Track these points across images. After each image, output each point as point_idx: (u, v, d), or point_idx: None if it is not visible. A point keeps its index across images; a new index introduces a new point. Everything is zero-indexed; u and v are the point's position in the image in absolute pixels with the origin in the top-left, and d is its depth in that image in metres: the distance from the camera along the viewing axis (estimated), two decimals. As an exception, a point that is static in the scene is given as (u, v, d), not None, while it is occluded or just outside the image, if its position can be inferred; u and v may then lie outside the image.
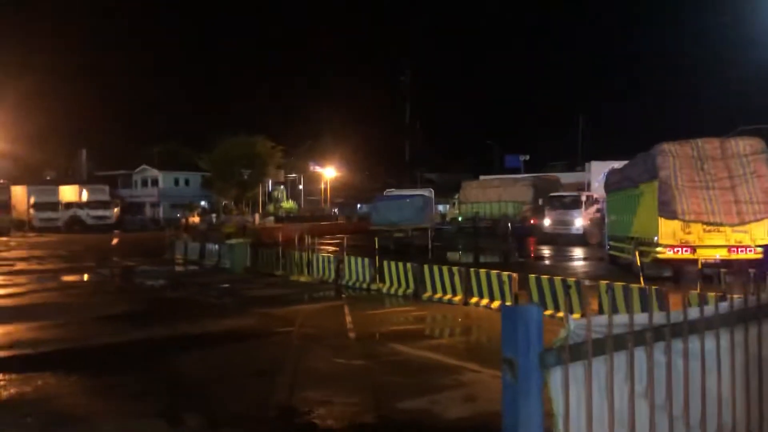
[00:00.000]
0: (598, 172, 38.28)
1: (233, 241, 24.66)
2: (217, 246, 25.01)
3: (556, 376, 2.67)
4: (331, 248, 28.81)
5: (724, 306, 3.36)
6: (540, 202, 36.32)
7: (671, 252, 16.14)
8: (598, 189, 35.19)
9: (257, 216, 55.87)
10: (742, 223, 15.59)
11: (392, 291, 15.84)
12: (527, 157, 61.55)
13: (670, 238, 16.15)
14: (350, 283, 17.33)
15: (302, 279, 19.00)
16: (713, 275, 15.38)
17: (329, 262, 18.73)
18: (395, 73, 70.71)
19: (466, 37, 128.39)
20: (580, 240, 31.52)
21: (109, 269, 23.97)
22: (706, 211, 15.75)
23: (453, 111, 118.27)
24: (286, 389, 7.89)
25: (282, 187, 72.58)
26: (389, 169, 77.89)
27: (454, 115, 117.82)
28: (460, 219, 43.83)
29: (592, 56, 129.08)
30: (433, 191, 34.64)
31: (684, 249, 15.99)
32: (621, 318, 2.88)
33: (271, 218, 55.53)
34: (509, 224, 34.45)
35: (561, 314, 11.57)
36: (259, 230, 39.04)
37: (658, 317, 3.01)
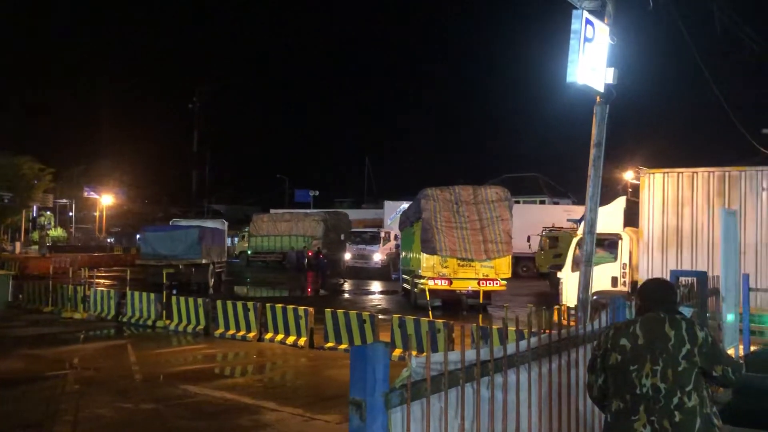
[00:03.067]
0: (390, 210, 40.54)
1: (-9, 272, 21.69)
2: (-31, 278, 21.77)
3: (396, 417, 2.68)
4: (107, 282, 26.66)
5: (534, 341, 3.66)
6: (342, 237, 37.72)
7: (432, 283, 18.56)
8: (390, 226, 37.63)
9: (18, 244, 50.04)
10: (489, 259, 18.46)
11: (181, 328, 14.99)
12: (317, 193, 62.71)
13: (431, 271, 18.64)
14: (133, 321, 16.09)
15: (77, 316, 17.22)
16: (476, 305, 17.68)
17: (109, 297, 17.23)
18: (185, 100, 68.05)
19: (258, 70, 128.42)
20: (380, 273, 33.32)
21: None
22: (460, 248, 18.31)
23: (244, 144, 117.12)
24: (65, 442, 7.05)
25: (49, 213, 65.86)
26: (174, 198, 74.37)
27: (245, 148, 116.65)
28: (249, 252, 43.14)
29: (380, 100, 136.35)
30: (226, 223, 33.23)
31: (442, 281, 18.56)
32: (454, 355, 3.00)
33: (35, 247, 50.05)
34: (316, 257, 35.19)
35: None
36: (22, 260, 34.89)
37: (483, 353, 3.19)
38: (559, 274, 14.67)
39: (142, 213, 71.65)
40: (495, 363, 3.25)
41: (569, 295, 13.89)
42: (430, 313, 15.58)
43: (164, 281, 16.44)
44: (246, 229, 44.69)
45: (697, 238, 12.18)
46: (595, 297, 13.47)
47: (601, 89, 8.37)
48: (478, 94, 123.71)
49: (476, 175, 77.64)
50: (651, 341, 3.15)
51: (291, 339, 13.18)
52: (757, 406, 5.54)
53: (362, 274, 33.30)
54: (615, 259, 14.07)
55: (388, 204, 42.46)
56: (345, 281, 29.88)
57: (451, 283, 18.47)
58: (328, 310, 12.95)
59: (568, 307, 13.47)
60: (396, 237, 32.94)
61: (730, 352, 7.32)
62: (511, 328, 3.79)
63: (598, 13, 8.34)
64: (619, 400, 3.18)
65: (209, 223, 31.28)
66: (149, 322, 15.69)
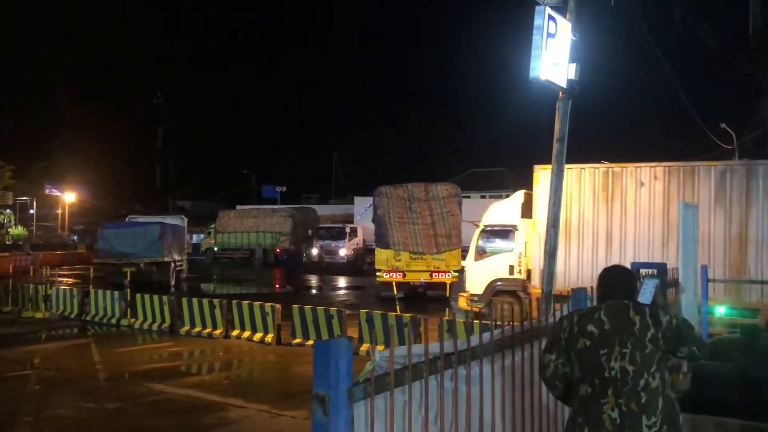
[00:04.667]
0: (360, 206, 40.77)
1: (-52, 272, 21.09)
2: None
3: (360, 411, 2.69)
4: (70, 280, 26.16)
5: (497, 333, 3.70)
6: (310, 232, 38.06)
7: (387, 276, 19.65)
8: (360, 222, 38.21)
9: (-24, 243, 48.87)
10: (439, 252, 19.56)
11: (146, 326, 14.79)
12: (284, 189, 62.31)
13: (384, 264, 19.79)
14: (97, 319, 15.81)
15: (38, 315, 16.85)
16: (442, 298, 18.32)
17: (72, 295, 16.89)
18: (149, 95, 66.91)
19: (223, 66, 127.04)
20: (347, 268, 33.81)
21: None
22: (412, 242, 19.55)
23: (210, 139, 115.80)
24: (25, 443, 6.91)
25: (9, 210, 64.32)
26: (139, 195, 73.17)
27: (211, 144, 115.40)
28: (216, 249, 42.67)
29: (347, 95, 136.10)
30: (185, 219, 32.49)
31: (396, 273, 19.65)
32: (418, 348, 3.01)
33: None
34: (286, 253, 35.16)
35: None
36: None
37: (447, 345, 3.21)
38: (464, 263, 15.18)
39: (106, 210, 70.31)
40: (459, 355, 3.27)
41: (472, 283, 14.79)
42: (398, 307, 15.68)
43: (128, 280, 16.16)
44: (212, 226, 44.16)
45: (583, 229, 12.98)
46: (498, 284, 14.17)
47: (564, 84, 8.49)
48: (444, 89, 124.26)
49: (442, 170, 78.02)
50: (618, 326, 3.19)
51: (258, 336, 13.10)
52: (714, 394, 5.70)
53: (330, 269, 33.39)
54: (512, 249, 14.63)
55: (358, 200, 42.53)
56: (318, 277, 29.74)
57: (404, 275, 19.50)
58: (295, 306, 12.90)
59: (471, 294, 14.47)
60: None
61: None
62: (477, 321, 3.85)
63: (561, 9, 8.44)
64: (588, 384, 3.20)
65: (168, 219, 30.08)
66: (113, 321, 15.44)
